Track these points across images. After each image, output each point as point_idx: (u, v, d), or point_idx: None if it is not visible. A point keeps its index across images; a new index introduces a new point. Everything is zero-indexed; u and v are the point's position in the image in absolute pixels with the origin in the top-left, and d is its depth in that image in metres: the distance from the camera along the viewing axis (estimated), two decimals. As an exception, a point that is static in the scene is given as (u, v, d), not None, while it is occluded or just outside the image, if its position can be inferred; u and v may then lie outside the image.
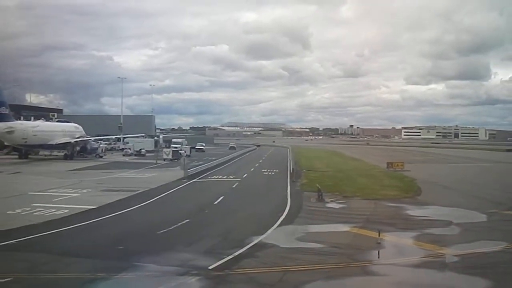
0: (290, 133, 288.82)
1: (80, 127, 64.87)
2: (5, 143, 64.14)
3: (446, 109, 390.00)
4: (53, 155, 62.31)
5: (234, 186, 34.50)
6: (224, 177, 41.28)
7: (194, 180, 38.07)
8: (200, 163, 51.03)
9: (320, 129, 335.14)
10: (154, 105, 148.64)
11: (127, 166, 51.16)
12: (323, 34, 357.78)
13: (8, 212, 21.94)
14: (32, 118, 72.27)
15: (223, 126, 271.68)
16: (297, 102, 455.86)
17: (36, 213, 21.94)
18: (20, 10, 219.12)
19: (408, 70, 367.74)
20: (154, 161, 55.49)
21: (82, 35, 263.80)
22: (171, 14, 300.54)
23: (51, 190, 30.35)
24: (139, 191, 30.65)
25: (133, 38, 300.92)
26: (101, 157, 62.35)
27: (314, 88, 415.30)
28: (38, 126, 58.15)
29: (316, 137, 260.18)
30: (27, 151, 58.18)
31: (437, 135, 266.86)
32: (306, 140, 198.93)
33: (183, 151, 64.06)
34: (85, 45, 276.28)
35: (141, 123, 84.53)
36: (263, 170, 48.98)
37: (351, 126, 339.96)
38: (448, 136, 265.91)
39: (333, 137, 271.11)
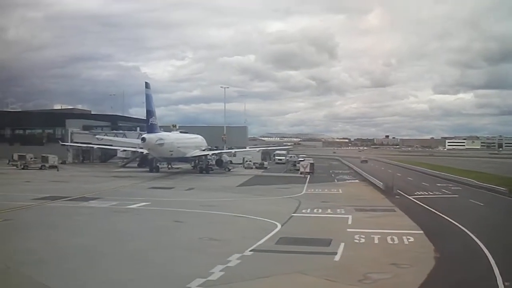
0: (330, 143, 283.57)
1: (204, 139, 61.39)
2: (117, 155, 61.63)
3: (475, 119, 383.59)
4: (175, 168, 58.94)
5: (482, 204, 30.15)
6: (430, 193, 37.01)
7: (405, 197, 33.84)
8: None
9: (351, 139, 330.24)
10: (181, 116, 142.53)
11: (277, 181, 46.95)
12: (350, 44, 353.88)
13: (377, 242, 18.08)
14: (138, 129, 69.49)
15: (262, 137, 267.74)
16: (324, 112, 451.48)
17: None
18: (47, 22, 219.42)
19: (436, 80, 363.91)
20: (293, 174, 52.83)
21: (109, 46, 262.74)
22: (197, 25, 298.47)
23: (304, 211, 26.19)
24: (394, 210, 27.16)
25: (160, 49, 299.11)
26: (229, 170, 58.60)
27: (341, 98, 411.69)
28: (180, 139, 55.01)
29: (360, 148, 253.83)
30: (158, 165, 54.77)
31: (481, 145, 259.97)
32: (360, 151, 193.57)
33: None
34: (112, 55, 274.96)
35: (236, 134, 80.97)
36: (438, 184, 44.32)
37: (387, 136, 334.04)
38: (492, 146, 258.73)
39: (375, 147, 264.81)
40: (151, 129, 49.07)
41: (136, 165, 61.62)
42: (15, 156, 60.41)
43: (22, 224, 20.75)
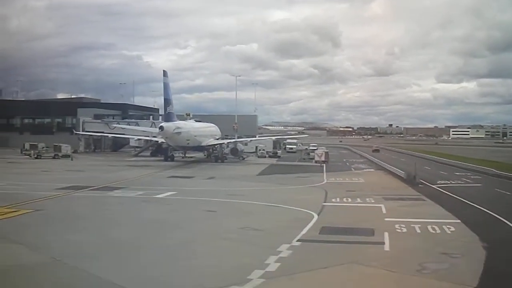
0: (334, 132, 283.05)
1: (217, 128, 61.14)
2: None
3: (478, 108, 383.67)
4: (189, 157, 58.70)
5: (509, 193, 29.91)
6: (452, 182, 36.74)
7: (428, 186, 33.55)
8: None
9: (355, 128, 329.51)
10: (184, 104, 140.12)
11: (294, 170, 46.74)
12: (353, 32, 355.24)
13: (420, 232, 17.62)
14: (151, 117, 69.49)
15: (266, 126, 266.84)
16: (327, 101, 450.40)
17: None
18: (49, 11, 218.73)
19: (439, 68, 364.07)
20: (308, 163, 53.07)
21: (112, 35, 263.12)
22: (200, 13, 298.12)
23: (334, 200, 25.81)
24: (423, 200, 26.90)
25: (163, 37, 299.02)
26: (243, 158, 58.41)
27: (344, 87, 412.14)
28: (196, 127, 54.82)
29: (364, 136, 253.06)
30: (173, 154, 54.59)
31: (486, 134, 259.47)
32: (365, 140, 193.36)
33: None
34: (114, 44, 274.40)
35: (246, 122, 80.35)
36: (456, 173, 43.97)
37: (390, 125, 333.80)
38: (496, 135, 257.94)
39: (379, 136, 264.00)
40: (168, 117, 48.85)
41: (149, 154, 61.52)
42: (27, 146, 60.41)
43: (55, 214, 20.52)
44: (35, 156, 55.52)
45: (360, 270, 12.82)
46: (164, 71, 49.80)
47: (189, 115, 61.33)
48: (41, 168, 43.45)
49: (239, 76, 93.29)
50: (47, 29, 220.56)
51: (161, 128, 47.75)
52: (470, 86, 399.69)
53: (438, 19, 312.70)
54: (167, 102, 49.08)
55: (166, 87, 48.90)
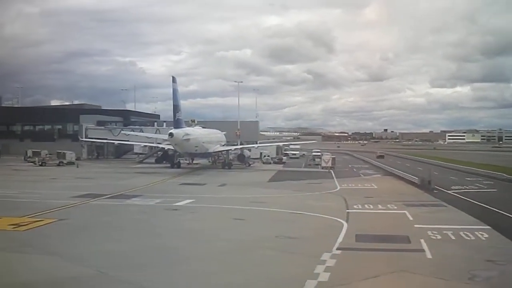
0: (329, 137, 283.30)
1: (223, 134, 60.93)
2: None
3: (472, 112, 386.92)
4: (194, 163, 58.35)
5: None
6: (467, 187, 36.69)
7: (444, 191, 33.50)
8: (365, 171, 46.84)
9: (349, 133, 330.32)
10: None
11: (304, 176, 46.91)
12: (347, 38, 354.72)
13: (454, 239, 17.47)
14: (156, 123, 69.27)
15: (262, 132, 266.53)
16: (321, 106, 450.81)
17: None
18: (43, 17, 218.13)
19: (433, 73, 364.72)
20: (315, 169, 53.13)
21: (106, 41, 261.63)
22: (194, 20, 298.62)
23: (356, 207, 25.56)
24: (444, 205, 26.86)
25: (157, 43, 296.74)
26: (249, 165, 58.22)
27: (338, 92, 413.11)
28: (204, 134, 54.58)
29: (360, 141, 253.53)
30: (180, 161, 54.26)
31: (481, 139, 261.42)
32: (362, 145, 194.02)
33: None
34: (108, 50, 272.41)
35: (248, 128, 79.98)
36: (467, 178, 44.08)
37: (385, 130, 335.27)
38: (492, 139, 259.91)
39: (375, 141, 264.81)
40: (177, 124, 48.64)
41: (153, 160, 61.12)
42: (30, 153, 59.93)
43: (81, 224, 20.17)
44: (40, 163, 54.99)
45: (412, 279, 12.67)
46: (173, 77, 49.82)
47: (194, 121, 60.91)
48: (49, 175, 42.99)
49: (241, 82, 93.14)
50: (41, 35, 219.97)
51: (171, 134, 47.35)
52: (464, 90, 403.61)
53: (432, 24, 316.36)
54: (176, 108, 48.83)
55: (174, 93, 48.68)
